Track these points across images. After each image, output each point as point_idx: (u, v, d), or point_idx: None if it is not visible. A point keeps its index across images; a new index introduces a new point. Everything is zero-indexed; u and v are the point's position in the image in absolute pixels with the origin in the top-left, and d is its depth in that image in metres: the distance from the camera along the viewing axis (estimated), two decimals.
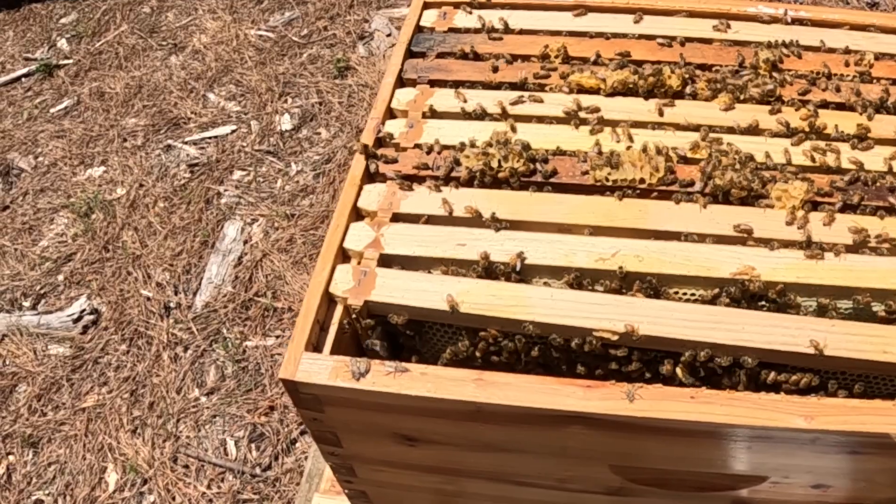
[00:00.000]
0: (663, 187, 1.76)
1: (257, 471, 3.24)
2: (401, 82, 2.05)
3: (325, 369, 1.54)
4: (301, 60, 4.76)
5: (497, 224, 1.72)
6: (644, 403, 1.46)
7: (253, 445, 3.32)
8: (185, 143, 4.46)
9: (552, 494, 1.77)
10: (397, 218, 1.76)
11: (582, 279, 1.66)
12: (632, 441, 1.55)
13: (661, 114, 1.91)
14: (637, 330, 1.55)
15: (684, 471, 1.63)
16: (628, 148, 1.81)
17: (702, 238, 1.69)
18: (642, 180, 1.76)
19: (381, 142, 1.90)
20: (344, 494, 2.14)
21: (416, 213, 1.76)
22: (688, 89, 1.96)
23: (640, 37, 2.10)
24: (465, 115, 1.93)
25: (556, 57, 2.05)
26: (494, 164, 1.79)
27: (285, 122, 4.45)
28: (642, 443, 1.55)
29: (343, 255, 1.74)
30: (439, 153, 1.85)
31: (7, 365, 3.72)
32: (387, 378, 1.52)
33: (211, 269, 3.86)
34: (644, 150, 1.80)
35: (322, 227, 3.90)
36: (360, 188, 1.81)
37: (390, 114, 1.98)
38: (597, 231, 1.71)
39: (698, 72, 2.00)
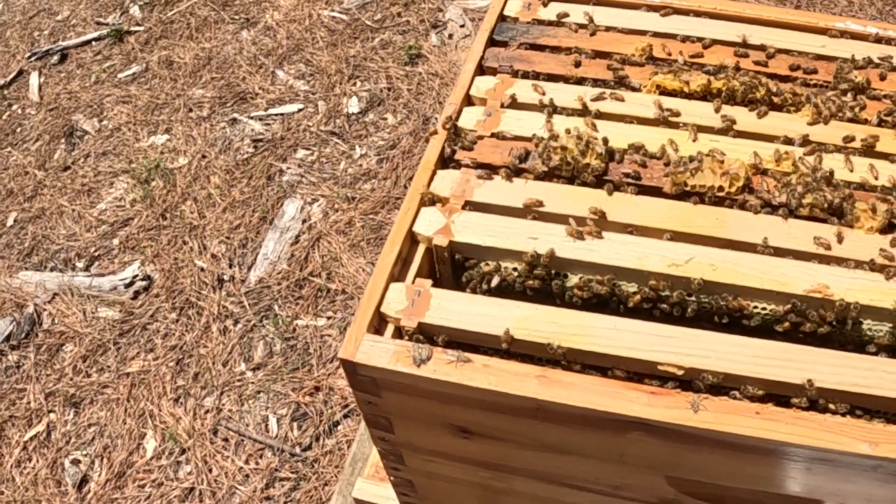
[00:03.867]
0: (740, 196, 1.72)
1: (297, 450, 3.23)
2: (481, 70, 2.02)
3: (386, 353, 1.52)
4: (372, 45, 4.74)
5: (573, 222, 1.69)
6: (708, 415, 1.43)
7: (295, 424, 3.31)
8: (251, 117, 4.46)
9: (603, 500, 1.74)
10: (469, 206, 1.73)
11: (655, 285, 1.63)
12: (692, 453, 1.51)
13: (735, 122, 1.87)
14: (704, 368, 1.50)
15: (741, 488, 1.60)
16: (708, 154, 1.77)
17: (778, 252, 1.65)
18: (721, 188, 1.72)
19: (457, 128, 1.87)
20: (388, 481, 2.12)
21: (489, 202, 1.73)
22: (776, 100, 1.92)
23: (723, 43, 2.06)
24: (544, 108, 1.90)
25: (641, 56, 2.01)
26: (571, 160, 1.75)
27: (353, 105, 4.44)
28: (702, 455, 1.52)
29: (412, 239, 1.71)
30: (515, 144, 1.82)
31: (56, 324, 3.74)
32: (448, 367, 1.49)
33: (268, 245, 3.85)
34: (722, 157, 1.76)
35: (382, 213, 3.88)
36: (434, 172, 1.78)
37: (468, 101, 1.95)
38: (673, 236, 1.67)
39: (782, 84, 1.96)
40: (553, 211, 1.71)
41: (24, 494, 3.26)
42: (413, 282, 1.66)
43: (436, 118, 4.26)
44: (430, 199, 1.75)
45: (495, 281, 1.67)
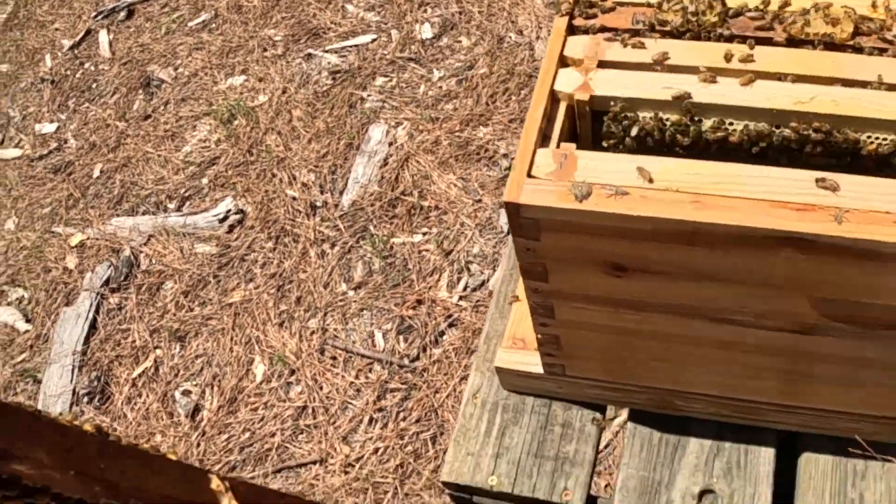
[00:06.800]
0: (851, 41, 1.81)
1: (405, 362, 3.34)
2: None
3: (549, 193, 1.63)
4: None
5: (703, 72, 1.79)
6: (851, 226, 1.53)
7: (401, 337, 3.42)
8: (326, 51, 4.54)
9: (744, 333, 1.83)
10: (602, 65, 1.84)
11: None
12: (835, 266, 1.61)
13: None
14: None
15: (880, 304, 1.69)
16: (815, 6, 1.86)
17: (892, 87, 1.74)
18: (831, 35, 1.82)
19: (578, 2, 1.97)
20: (526, 350, 2.23)
21: (621, 60, 1.83)
22: None
23: None
24: None
25: None
26: (692, 17, 1.85)
27: (426, 31, 4.52)
28: (845, 269, 1.61)
29: (553, 98, 1.82)
30: (636, 10, 1.93)
31: (154, 264, 3.87)
32: (608, 200, 1.60)
33: (357, 169, 3.95)
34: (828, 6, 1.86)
35: (468, 130, 3.98)
36: (565, 39, 1.89)
37: None
38: (795, 79, 1.77)
39: None
40: (681, 63, 1.81)
41: (137, 429, 3.40)
42: (558, 146, 1.76)
43: (510, 37, 4.35)
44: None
45: (634, 130, 1.79)
